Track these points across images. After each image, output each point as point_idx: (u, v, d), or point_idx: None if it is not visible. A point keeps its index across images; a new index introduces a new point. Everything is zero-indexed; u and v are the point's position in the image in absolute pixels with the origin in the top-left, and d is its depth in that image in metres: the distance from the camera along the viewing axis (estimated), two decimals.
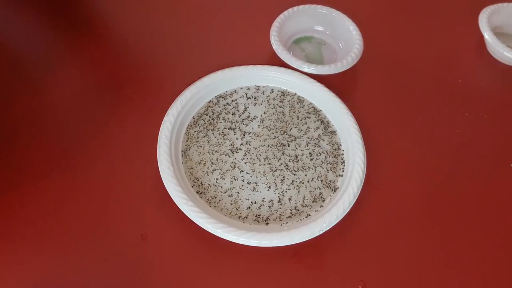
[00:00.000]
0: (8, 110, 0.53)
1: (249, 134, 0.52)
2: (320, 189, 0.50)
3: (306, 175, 0.50)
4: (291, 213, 0.48)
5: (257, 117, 0.54)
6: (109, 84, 0.57)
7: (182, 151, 0.51)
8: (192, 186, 0.48)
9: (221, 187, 0.49)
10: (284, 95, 0.56)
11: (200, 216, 0.44)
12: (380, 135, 0.55)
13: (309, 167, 0.51)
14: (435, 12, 0.71)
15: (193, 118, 0.53)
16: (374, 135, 0.54)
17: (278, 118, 0.54)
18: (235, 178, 0.49)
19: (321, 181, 0.50)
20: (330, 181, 0.50)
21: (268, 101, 0.55)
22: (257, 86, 0.57)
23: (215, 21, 0.66)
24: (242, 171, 0.50)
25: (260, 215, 0.47)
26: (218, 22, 0.66)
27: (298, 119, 0.55)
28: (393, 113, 0.58)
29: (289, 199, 0.49)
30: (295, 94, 0.56)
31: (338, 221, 0.45)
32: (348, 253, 0.47)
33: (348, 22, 0.61)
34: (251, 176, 0.49)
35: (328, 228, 0.45)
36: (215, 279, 0.44)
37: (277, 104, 0.56)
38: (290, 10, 0.61)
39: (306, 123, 0.55)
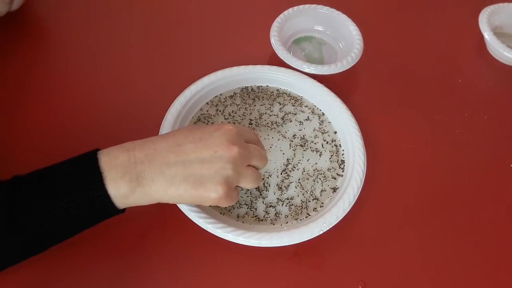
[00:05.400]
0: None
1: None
2: (326, 144, 0.53)
3: (311, 136, 0.53)
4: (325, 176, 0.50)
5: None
6: (109, 84, 0.57)
7: None
8: None
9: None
10: (239, 94, 0.56)
11: (200, 216, 0.44)
12: (380, 135, 0.55)
13: (306, 129, 0.54)
14: (435, 12, 0.71)
15: (193, 119, 0.53)
16: (374, 135, 0.54)
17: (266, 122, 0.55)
18: (253, 201, 0.49)
19: (319, 129, 0.54)
20: (328, 135, 0.54)
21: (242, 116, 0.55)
22: (257, 86, 0.57)
23: (215, 21, 0.66)
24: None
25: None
26: (218, 22, 0.66)
27: (267, 108, 0.55)
28: (393, 113, 0.58)
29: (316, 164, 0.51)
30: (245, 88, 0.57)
31: (338, 221, 0.45)
32: (348, 253, 0.47)
33: (348, 22, 0.61)
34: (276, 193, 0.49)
35: (328, 228, 0.45)
36: (215, 279, 0.44)
37: (248, 108, 0.55)
38: (290, 10, 0.61)
39: (272, 104, 0.56)
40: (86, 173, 0.38)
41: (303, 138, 0.53)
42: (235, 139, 0.41)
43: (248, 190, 0.49)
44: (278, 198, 0.48)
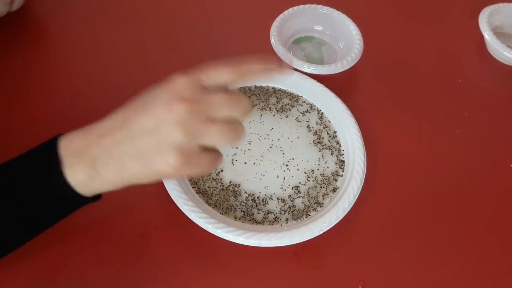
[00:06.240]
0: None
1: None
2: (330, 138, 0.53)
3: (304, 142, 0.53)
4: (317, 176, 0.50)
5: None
6: (110, 84, 0.57)
7: None
8: (193, 187, 0.48)
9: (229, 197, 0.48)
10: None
11: (200, 216, 0.44)
12: (380, 135, 0.55)
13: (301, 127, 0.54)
14: (435, 12, 0.71)
15: None
16: (374, 135, 0.54)
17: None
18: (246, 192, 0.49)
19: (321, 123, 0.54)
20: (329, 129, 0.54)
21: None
22: (257, 86, 0.57)
23: (215, 21, 0.66)
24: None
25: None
26: (218, 22, 0.66)
27: (263, 102, 0.56)
28: (393, 113, 0.58)
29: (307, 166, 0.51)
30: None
31: (338, 221, 0.45)
32: (348, 253, 0.47)
33: (348, 22, 0.61)
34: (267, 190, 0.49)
35: (328, 228, 0.45)
36: (215, 279, 0.44)
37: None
38: (290, 10, 0.61)
39: (268, 98, 0.56)
40: (45, 160, 0.35)
41: (282, 116, 0.54)
42: (184, 93, 0.34)
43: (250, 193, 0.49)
44: (281, 208, 0.48)
